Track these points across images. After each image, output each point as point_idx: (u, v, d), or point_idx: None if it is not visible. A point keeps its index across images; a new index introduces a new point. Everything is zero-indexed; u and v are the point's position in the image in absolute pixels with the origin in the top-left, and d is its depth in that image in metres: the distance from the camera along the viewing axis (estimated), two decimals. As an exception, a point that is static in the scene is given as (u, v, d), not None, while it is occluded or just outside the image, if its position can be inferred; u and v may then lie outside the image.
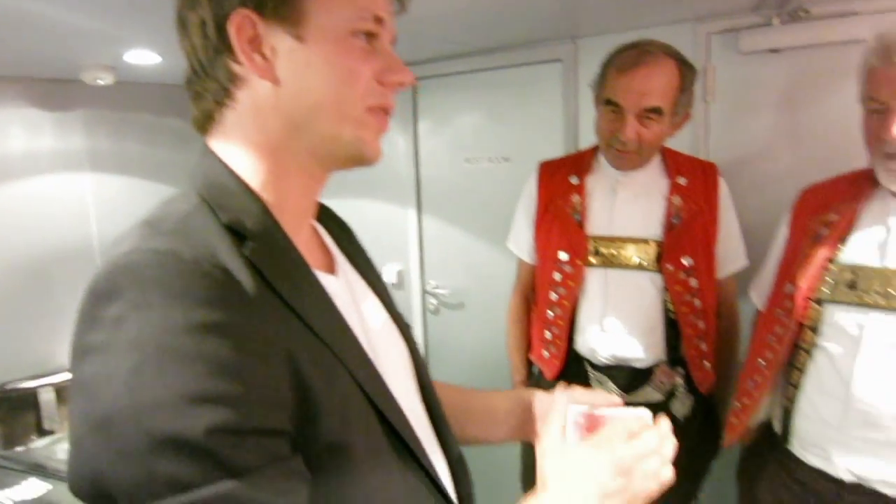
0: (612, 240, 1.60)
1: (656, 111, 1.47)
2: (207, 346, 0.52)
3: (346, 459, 0.62)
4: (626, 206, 1.60)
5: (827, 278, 1.23)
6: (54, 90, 2.29)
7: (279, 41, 0.64)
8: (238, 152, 0.67)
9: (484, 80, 2.43)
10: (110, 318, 0.52)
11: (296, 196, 0.71)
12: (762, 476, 1.38)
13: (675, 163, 1.63)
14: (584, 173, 1.66)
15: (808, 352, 1.26)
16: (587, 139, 2.16)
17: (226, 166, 0.66)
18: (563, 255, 1.63)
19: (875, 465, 1.16)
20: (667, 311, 1.59)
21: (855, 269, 1.20)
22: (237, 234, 0.62)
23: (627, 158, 1.55)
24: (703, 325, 1.60)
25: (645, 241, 1.57)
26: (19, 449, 2.01)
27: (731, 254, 1.66)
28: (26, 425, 2.17)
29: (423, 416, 0.84)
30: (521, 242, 1.79)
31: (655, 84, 1.45)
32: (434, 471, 0.75)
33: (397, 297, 2.88)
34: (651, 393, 1.61)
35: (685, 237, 1.56)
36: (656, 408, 1.57)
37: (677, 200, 1.58)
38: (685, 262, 1.56)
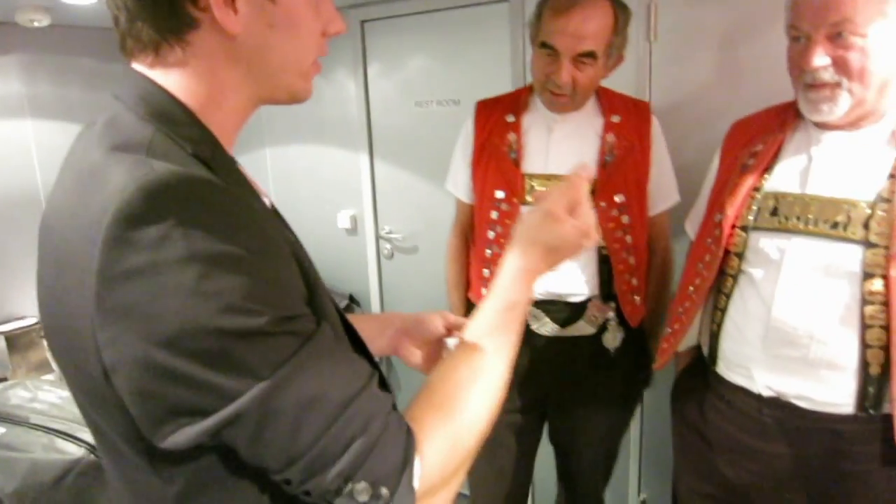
0: (547, 177, 1.61)
1: (591, 55, 1.47)
2: (250, 253, 0.57)
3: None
4: (561, 144, 1.62)
5: (752, 206, 1.28)
6: (-12, 33, 2.23)
7: None
8: (181, 84, 0.66)
9: (432, 22, 2.41)
10: (150, 239, 0.54)
11: (231, 126, 0.73)
12: (691, 397, 1.45)
13: (609, 102, 1.65)
14: (520, 112, 1.66)
15: (733, 277, 1.31)
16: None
17: (167, 93, 0.66)
18: (499, 194, 1.64)
19: (791, 382, 1.22)
20: (599, 247, 1.62)
21: (777, 197, 1.25)
22: (205, 164, 0.63)
23: (562, 101, 1.56)
24: (634, 260, 1.65)
25: None
26: (-29, 396, 2.02)
27: (662, 191, 1.70)
28: (-22, 372, 2.17)
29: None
30: (459, 182, 1.80)
31: (591, 27, 1.45)
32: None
33: (352, 242, 2.91)
34: (584, 327, 1.66)
35: (618, 174, 1.59)
36: (589, 340, 1.66)
37: (611, 138, 1.60)
38: (617, 198, 1.59)
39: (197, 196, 0.56)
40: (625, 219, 1.60)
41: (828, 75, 1.14)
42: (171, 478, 0.64)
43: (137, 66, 0.68)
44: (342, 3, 2.49)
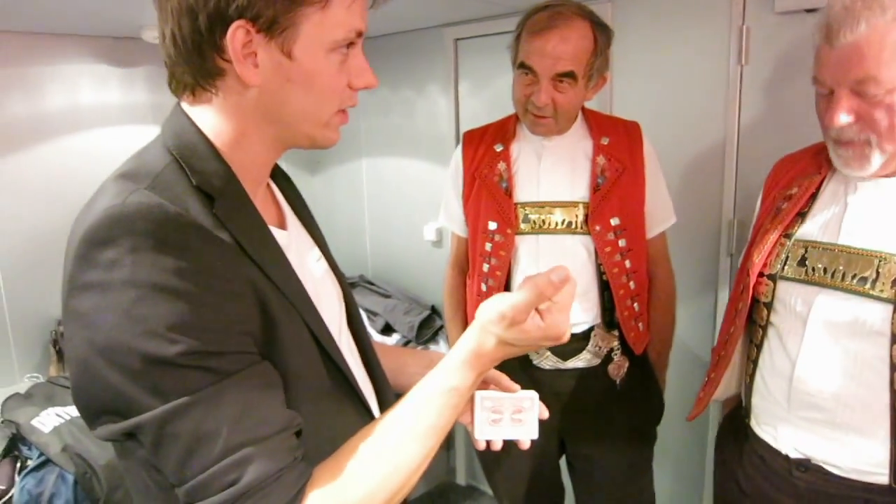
0: (540, 205, 1.57)
1: (570, 76, 1.43)
2: (193, 285, 0.63)
3: (298, 389, 0.74)
4: (552, 170, 1.58)
5: (781, 254, 1.20)
6: (119, 47, 2.50)
7: (269, 54, 0.70)
8: (210, 122, 0.74)
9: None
10: (106, 260, 0.62)
11: (257, 164, 0.80)
12: (732, 447, 1.38)
13: (597, 123, 1.60)
14: (508, 140, 1.62)
15: (763, 329, 1.24)
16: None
17: (198, 130, 0.74)
18: (492, 225, 1.60)
19: (819, 445, 1.14)
20: (600, 273, 1.56)
21: (807, 245, 1.17)
22: (207, 195, 0.70)
23: (544, 124, 1.52)
24: (634, 285, 1.60)
25: (573, 204, 1.55)
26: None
27: (659, 212, 1.65)
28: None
29: (357, 359, 0.95)
30: (452, 215, 1.77)
31: (569, 48, 1.41)
32: (369, 405, 0.87)
33: (437, 254, 2.96)
34: (590, 358, 1.60)
35: (611, 197, 1.55)
36: (594, 372, 1.60)
37: (601, 160, 1.55)
38: (613, 222, 1.54)
39: (152, 228, 0.63)
40: (622, 242, 1.55)
41: (853, 133, 1.06)
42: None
43: (183, 103, 0.77)
44: (437, 22, 2.55)
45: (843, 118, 1.05)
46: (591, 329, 1.59)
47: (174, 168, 0.71)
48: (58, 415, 1.85)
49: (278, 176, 0.97)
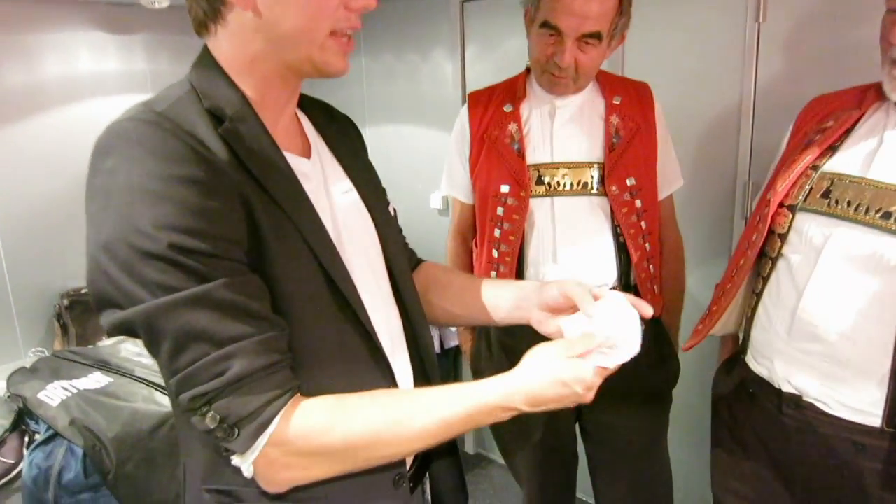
0: (554, 166, 1.53)
1: (596, 36, 1.38)
2: (178, 191, 0.68)
3: (287, 305, 0.77)
4: (565, 130, 1.53)
5: (805, 185, 1.17)
6: (116, 14, 2.43)
7: None
8: (226, 55, 0.80)
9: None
10: (107, 168, 0.69)
11: (273, 93, 0.84)
12: (726, 391, 1.37)
13: (608, 83, 1.56)
14: (518, 100, 1.57)
15: (773, 260, 1.21)
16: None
17: (213, 61, 0.81)
18: (504, 188, 1.55)
19: (813, 380, 1.13)
20: (616, 235, 1.53)
21: (833, 178, 1.14)
22: (217, 118, 0.76)
23: (564, 84, 1.47)
24: (650, 247, 1.57)
25: (588, 165, 1.52)
26: (89, 347, 2.21)
27: (668, 173, 1.62)
28: (96, 326, 2.38)
29: (388, 293, 0.98)
30: (457, 182, 1.71)
31: (595, 7, 1.35)
32: (377, 337, 0.87)
33: (443, 223, 2.93)
34: None
35: (627, 156, 1.51)
36: None
37: (615, 120, 1.52)
38: (629, 182, 1.51)
39: (145, 139, 0.70)
40: (638, 203, 1.52)
41: None
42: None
43: (206, 41, 0.83)
44: (443, -16, 2.50)
45: None
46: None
47: (191, 96, 0.77)
48: (64, 388, 1.83)
49: (319, 111, 1.01)
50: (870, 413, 1.07)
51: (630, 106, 1.55)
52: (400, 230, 1.12)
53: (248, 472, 0.75)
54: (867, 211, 1.06)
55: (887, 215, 1.04)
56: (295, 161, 0.85)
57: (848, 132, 1.18)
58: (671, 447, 1.78)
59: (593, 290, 0.94)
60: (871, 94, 1.18)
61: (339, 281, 0.82)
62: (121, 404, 1.73)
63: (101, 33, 2.43)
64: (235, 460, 0.75)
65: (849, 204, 1.09)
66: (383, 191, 1.08)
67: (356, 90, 3.02)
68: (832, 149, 1.18)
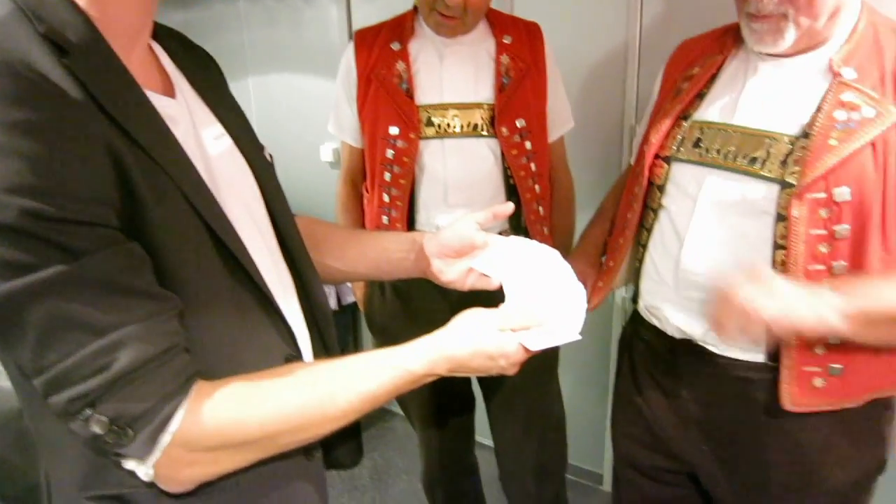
0: (444, 107, 1.49)
1: None
2: (21, 142, 0.53)
3: (173, 275, 0.65)
4: (455, 70, 1.50)
5: (678, 135, 1.18)
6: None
7: None
8: None
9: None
10: None
11: (125, 13, 0.68)
12: (624, 338, 1.41)
13: (498, 22, 1.53)
14: (406, 38, 1.52)
15: (655, 212, 1.22)
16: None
17: None
18: (393, 130, 1.50)
19: (700, 324, 1.15)
20: (506, 177, 1.52)
21: (703, 126, 1.15)
22: (58, 46, 0.59)
23: (451, 25, 1.43)
24: (540, 188, 1.57)
25: (478, 105, 1.49)
26: None
27: (559, 115, 1.63)
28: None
29: (275, 248, 0.87)
30: (345, 124, 1.65)
31: None
32: (271, 295, 0.78)
33: (334, 176, 2.84)
34: None
35: (516, 98, 1.50)
36: None
37: (506, 60, 1.50)
38: (518, 123, 1.50)
39: None
40: (528, 145, 1.52)
41: (772, 6, 1.01)
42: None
43: None
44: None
45: None
46: (499, 234, 1.55)
47: (18, 18, 0.59)
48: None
49: (174, 42, 0.86)
50: (752, 350, 1.11)
51: (520, 46, 1.53)
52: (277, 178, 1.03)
53: (146, 475, 0.64)
54: (735, 157, 1.09)
55: (753, 160, 1.07)
56: (158, 101, 0.70)
57: (713, 78, 1.19)
58: (564, 392, 1.82)
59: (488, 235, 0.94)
60: (731, 38, 1.19)
61: (228, 242, 0.71)
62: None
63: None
64: (129, 464, 0.64)
65: (718, 151, 1.11)
66: (255, 135, 0.96)
67: (235, 36, 2.83)
68: (700, 96, 1.19)
